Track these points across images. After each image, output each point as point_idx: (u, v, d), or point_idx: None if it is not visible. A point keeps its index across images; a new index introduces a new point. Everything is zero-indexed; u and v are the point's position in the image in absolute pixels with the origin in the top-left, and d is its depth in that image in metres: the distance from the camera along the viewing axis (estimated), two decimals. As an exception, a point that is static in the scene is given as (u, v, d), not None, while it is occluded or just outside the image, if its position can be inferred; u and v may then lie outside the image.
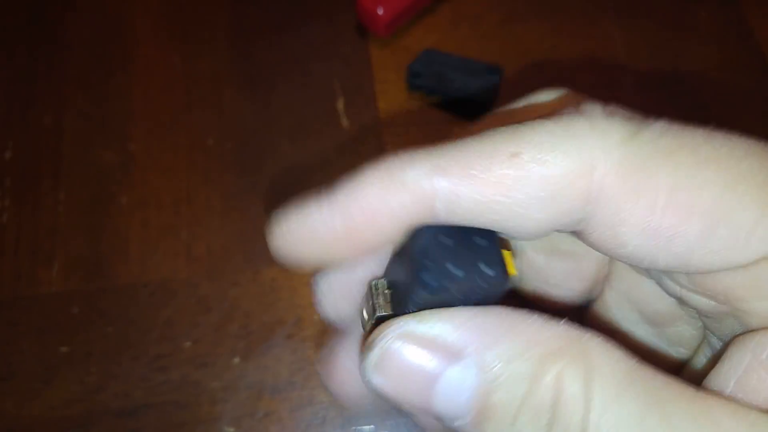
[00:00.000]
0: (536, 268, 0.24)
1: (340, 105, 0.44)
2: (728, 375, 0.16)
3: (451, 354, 0.16)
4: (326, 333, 0.38)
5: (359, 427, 0.36)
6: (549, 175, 0.16)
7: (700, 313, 0.20)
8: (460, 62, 0.44)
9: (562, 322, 0.16)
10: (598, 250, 0.18)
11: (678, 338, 0.23)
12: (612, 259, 0.24)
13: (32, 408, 0.36)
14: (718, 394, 0.16)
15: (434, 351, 0.16)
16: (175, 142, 0.42)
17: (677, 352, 0.24)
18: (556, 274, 0.24)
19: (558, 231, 0.18)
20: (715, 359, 0.17)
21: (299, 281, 0.39)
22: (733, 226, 0.16)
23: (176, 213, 0.41)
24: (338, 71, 0.45)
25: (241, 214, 0.41)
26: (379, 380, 0.16)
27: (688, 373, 0.24)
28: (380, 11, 0.44)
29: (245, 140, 0.43)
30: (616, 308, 0.24)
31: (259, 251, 0.40)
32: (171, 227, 0.40)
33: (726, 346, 0.17)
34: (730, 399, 0.16)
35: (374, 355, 0.16)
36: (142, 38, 0.46)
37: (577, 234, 0.18)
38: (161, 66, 0.45)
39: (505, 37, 0.47)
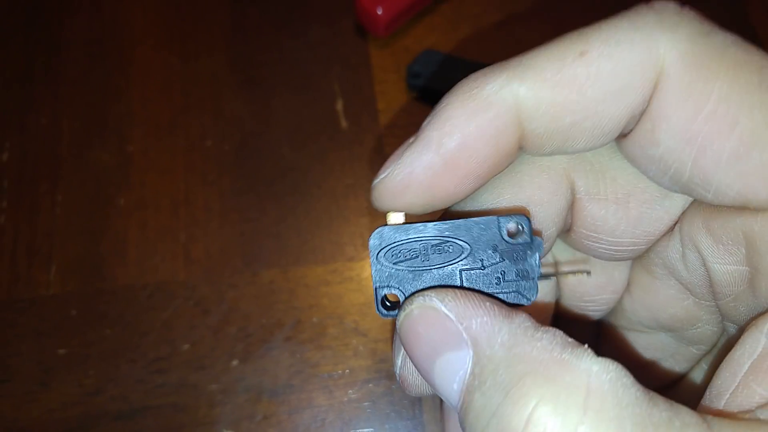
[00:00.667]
0: (572, 285, 0.24)
1: (339, 106, 0.44)
2: (742, 359, 0.16)
3: (454, 339, 0.16)
4: (325, 335, 0.38)
5: (358, 431, 0.36)
6: (618, 67, 0.16)
7: (718, 293, 0.19)
8: (459, 63, 0.43)
9: (580, 347, 0.15)
10: (629, 153, 0.18)
11: (698, 338, 0.23)
12: (633, 267, 0.24)
13: (30, 411, 0.36)
14: (714, 411, 0.16)
15: (441, 330, 0.16)
16: (173, 144, 0.42)
17: (698, 349, 0.24)
18: (590, 289, 0.24)
19: (623, 134, 0.18)
20: (731, 345, 0.17)
21: (297, 283, 0.39)
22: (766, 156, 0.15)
23: (174, 215, 0.40)
24: (337, 72, 0.45)
25: (240, 216, 0.40)
26: (402, 333, 0.17)
27: (702, 367, 0.24)
28: (379, 11, 0.43)
29: (244, 142, 0.42)
30: (633, 316, 0.24)
31: (257, 253, 0.39)
32: (169, 229, 0.40)
33: (741, 331, 0.17)
34: (743, 389, 0.15)
35: (402, 313, 0.17)
36: (140, 39, 0.45)
37: (622, 138, 0.18)
38: (159, 67, 0.45)
39: (505, 38, 0.46)
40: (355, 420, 0.36)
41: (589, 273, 0.22)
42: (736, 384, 0.16)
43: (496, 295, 0.18)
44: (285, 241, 0.40)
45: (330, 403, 0.36)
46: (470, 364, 0.16)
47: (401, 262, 0.18)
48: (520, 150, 0.19)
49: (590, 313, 0.26)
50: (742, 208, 0.17)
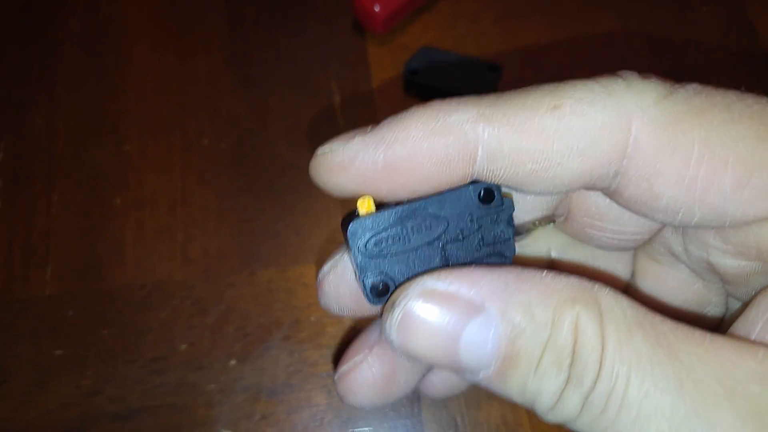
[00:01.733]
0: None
1: (337, 104, 0.43)
2: (755, 320, 0.17)
3: (472, 308, 0.16)
4: (323, 334, 0.37)
5: (357, 429, 0.36)
6: (588, 126, 0.17)
7: (726, 280, 0.20)
8: (458, 60, 0.43)
9: (572, 276, 0.16)
10: (631, 207, 0.18)
11: (706, 323, 0.24)
12: (636, 256, 0.24)
13: (27, 412, 0.35)
14: (730, 336, 0.17)
15: (455, 307, 0.16)
16: (170, 143, 0.42)
17: None
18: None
19: (588, 188, 0.19)
20: (741, 310, 0.18)
21: (296, 282, 0.38)
22: (766, 176, 0.16)
23: (171, 214, 0.40)
24: (335, 70, 0.44)
25: (237, 215, 0.40)
26: (402, 339, 0.17)
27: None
28: (377, 9, 0.43)
29: (241, 140, 0.42)
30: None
31: (255, 252, 0.39)
32: (166, 229, 0.40)
33: (752, 297, 0.18)
34: (752, 342, 0.16)
35: (396, 314, 0.17)
36: (137, 38, 0.45)
37: (611, 194, 0.19)
38: (156, 66, 0.44)
39: (504, 35, 0.46)
40: (353, 419, 0.36)
41: (554, 221, 0.22)
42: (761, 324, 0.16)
43: (479, 260, 0.19)
44: (283, 240, 0.40)
45: (329, 402, 0.36)
46: (500, 320, 0.16)
47: (384, 249, 0.18)
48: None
49: None
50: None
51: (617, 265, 0.24)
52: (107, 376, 0.36)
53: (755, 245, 0.18)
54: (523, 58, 0.45)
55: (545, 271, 0.17)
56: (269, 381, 0.36)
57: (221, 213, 0.40)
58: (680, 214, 0.17)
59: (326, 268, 0.21)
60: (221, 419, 0.36)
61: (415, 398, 0.36)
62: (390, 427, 0.36)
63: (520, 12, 0.47)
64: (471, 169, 0.18)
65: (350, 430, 0.36)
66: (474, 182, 0.19)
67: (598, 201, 0.21)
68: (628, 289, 0.25)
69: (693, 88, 0.17)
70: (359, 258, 0.18)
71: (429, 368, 0.22)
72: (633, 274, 0.24)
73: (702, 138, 0.16)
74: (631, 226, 0.22)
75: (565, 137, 0.17)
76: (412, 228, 0.19)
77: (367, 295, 0.18)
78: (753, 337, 0.17)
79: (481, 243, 0.19)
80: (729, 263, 0.19)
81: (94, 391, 0.36)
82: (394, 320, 0.17)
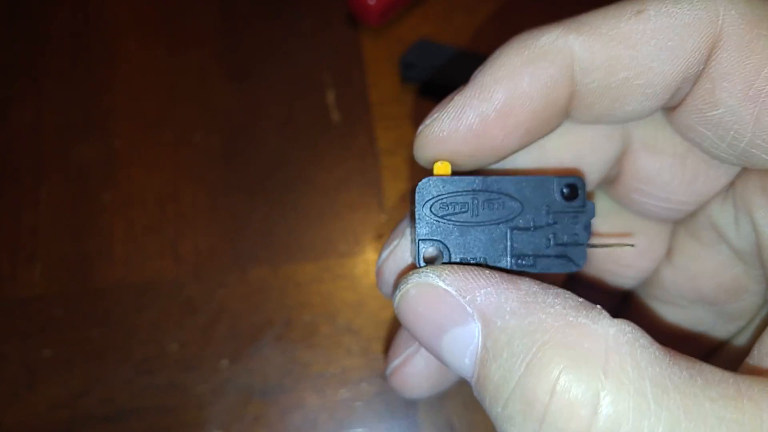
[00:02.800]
0: (611, 249, 0.23)
1: (331, 98, 0.43)
2: None
3: (460, 315, 0.16)
4: (316, 334, 0.37)
5: (351, 431, 0.35)
6: (675, 25, 0.16)
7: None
8: (454, 53, 0.42)
9: (594, 308, 0.15)
10: (682, 121, 0.17)
11: (739, 312, 0.23)
12: (675, 232, 0.23)
13: (15, 413, 0.35)
14: (757, 370, 0.15)
15: (444, 308, 0.16)
16: (160, 138, 0.41)
17: (734, 326, 0.23)
18: (628, 254, 0.24)
19: (674, 101, 0.17)
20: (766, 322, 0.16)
21: (288, 281, 0.38)
22: None
23: (162, 211, 0.39)
24: (329, 63, 0.44)
25: (229, 212, 0.39)
26: (401, 315, 0.17)
27: (736, 344, 0.23)
28: (372, 1, 0.42)
29: (233, 135, 0.41)
30: (672, 288, 0.23)
31: (247, 250, 0.38)
32: (156, 226, 0.39)
33: None
34: None
35: (397, 294, 0.17)
36: (126, 32, 0.44)
37: (675, 109, 0.18)
38: (146, 60, 0.43)
39: (501, 27, 0.45)
40: (347, 420, 0.35)
41: (633, 245, 0.21)
42: None
43: (544, 257, 0.18)
44: (275, 238, 0.39)
45: (322, 402, 0.35)
46: (480, 338, 0.15)
47: (449, 215, 0.17)
48: (568, 117, 0.18)
49: (623, 282, 0.25)
50: None
51: (655, 239, 0.23)
52: (96, 376, 0.36)
53: None
54: (521, 52, 0.44)
55: (560, 294, 0.15)
56: (261, 381, 0.36)
57: (212, 210, 0.39)
58: (731, 133, 0.16)
59: (384, 253, 0.21)
60: (213, 420, 0.35)
61: (410, 400, 0.35)
62: (385, 428, 0.35)
63: (517, 5, 0.46)
64: (572, 88, 0.17)
65: (344, 431, 0.35)
66: (561, 176, 0.18)
67: (648, 165, 0.20)
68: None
69: None
70: (422, 217, 0.17)
71: None
72: (669, 250, 0.23)
73: None
74: (679, 195, 0.21)
75: (653, 39, 0.16)
76: (483, 201, 0.18)
77: (417, 260, 0.18)
78: None
79: (551, 240, 0.18)
80: None
81: (82, 392, 0.35)
82: (396, 299, 0.17)
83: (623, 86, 0.17)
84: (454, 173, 0.18)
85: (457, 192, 0.17)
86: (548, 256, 0.18)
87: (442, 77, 0.42)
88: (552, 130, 0.19)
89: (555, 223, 0.18)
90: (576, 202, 0.18)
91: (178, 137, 0.41)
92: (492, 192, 0.17)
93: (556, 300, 0.15)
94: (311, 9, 0.45)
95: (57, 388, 0.35)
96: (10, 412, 0.35)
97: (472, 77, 0.18)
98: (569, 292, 0.16)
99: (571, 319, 0.15)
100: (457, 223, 0.17)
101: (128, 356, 0.36)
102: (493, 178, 0.18)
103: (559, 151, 0.20)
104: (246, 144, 0.41)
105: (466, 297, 0.16)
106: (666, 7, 0.16)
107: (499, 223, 0.17)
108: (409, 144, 0.41)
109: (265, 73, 0.43)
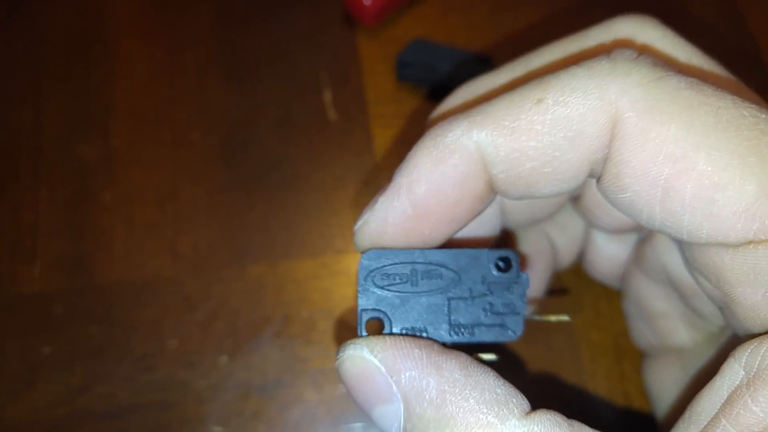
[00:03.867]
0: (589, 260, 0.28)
1: (328, 97, 0.43)
2: (720, 391, 0.16)
3: (385, 392, 0.17)
4: (314, 330, 0.37)
5: (349, 425, 0.36)
6: (572, 115, 0.17)
7: (710, 298, 0.19)
8: (449, 52, 0.43)
9: (509, 403, 0.16)
10: (604, 195, 0.18)
11: (703, 312, 0.23)
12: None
13: (15, 410, 0.35)
14: None
15: (371, 384, 0.17)
16: (159, 137, 0.42)
17: (707, 325, 0.24)
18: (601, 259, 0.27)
19: (592, 177, 0.18)
20: (717, 365, 0.16)
21: (286, 278, 0.38)
22: (730, 197, 0.15)
23: (161, 209, 0.40)
24: (325, 62, 0.44)
25: (227, 210, 0.40)
26: (341, 379, 0.18)
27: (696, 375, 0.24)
28: (367, 1, 0.43)
29: (231, 134, 0.42)
30: (649, 266, 0.25)
31: (245, 248, 0.39)
32: (155, 224, 0.39)
33: (727, 354, 0.16)
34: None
35: (336, 360, 0.18)
36: (124, 30, 0.45)
37: (597, 182, 0.18)
38: (144, 60, 0.44)
39: (495, 27, 0.46)
40: (345, 415, 0.36)
41: (569, 319, 0.22)
42: (709, 419, 0.15)
43: (481, 326, 0.18)
44: (273, 235, 0.39)
45: (320, 398, 0.36)
46: (401, 422, 0.16)
47: (390, 285, 0.18)
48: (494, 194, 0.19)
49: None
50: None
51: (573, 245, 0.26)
52: (96, 373, 0.36)
53: (714, 272, 0.17)
54: (516, 51, 0.45)
55: (479, 384, 0.16)
56: (260, 377, 0.36)
57: (211, 208, 0.40)
58: (644, 214, 0.17)
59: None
60: (212, 416, 0.35)
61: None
62: (382, 422, 0.36)
63: (511, 4, 0.47)
64: (487, 176, 0.18)
65: (342, 425, 0.36)
66: (494, 248, 0.19)
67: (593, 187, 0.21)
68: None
69: (687, 80, 0.16)
70: (364, 289, 0.18)
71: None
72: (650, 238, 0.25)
73: (677, 136, 0.16)
74: (622, 219, 0.21)
75: (553, 129, 0.17)
76: (423, 272, 0.19)
77: (360, 330, 0.19)
78: (712, 413, 0.16)
79: (488, 309, 0.19)
80: (703, 283, 0.18)
81: (82, 389, 0.36)
82: (336, 364, 0.18)
83: (532, 175, 0.18)
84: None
85: (398, 263, 0.19)
86: (486, 325, 0.18)
87: (436, 76, 0.42)
88: (481, 211, 0.20)
89: (492, 293, 0.19)
90: (510, 274, 0.18)
91: (176, 136, 0.42)
92: (430, 264, 0.18)
93: (473, 393, 0.16)
94: (307, 9, 0.46)
95: (57, 385, 0.36)
96: (11, 409, 0.35)
97: (393, 177, 0.19)
98: (493, 374, 0.16)
99: (481, 416, 0.15)
100: (398, 293, 0.18)
101: (128, 353, 0.36)
102: (431, 252, 0.19)
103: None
104: (244, 143, 0.42)
105: (392, 377, 0.17)
106: (563, 96, 0.17)
107: (437, 294, 0.18)
108: (405, 142, 0.42)
109: (262, 72, 0.44)
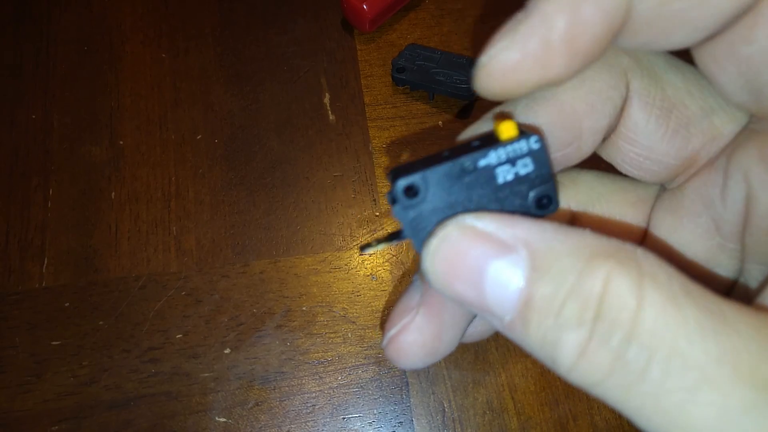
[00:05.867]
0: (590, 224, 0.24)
1: (327, 100, 0.44)
2: None
3: (503, 246, 0.16)
4: (314, 323, 0.38)
5: (347, 416, 0.37)
6: None
7: (756, 221, 0.19)
8: (443, 57, 0.44)
9: (615, 239, 0.16)
10: (709, 53, 0.18)
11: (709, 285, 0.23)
12: (654, 210, 0.24)
13: (24, 401, 0.36)
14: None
15: (487, 242, 0.16)
16: (164, 138, 0.43)
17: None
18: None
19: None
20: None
21: (287, 273, 0.40)
22: None
23: (166, 207, 0.41)
24: (324, 67, 0.46)
25: (230, 208, 0.41)
26: (435, 267, 0.17)
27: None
28: (365, 7, 0.44)
29: (233, 135, 0.43)
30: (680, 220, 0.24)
31: (247, 244, 0.40)
32: (161, 221, 0.41)
33: None
34: None
35: (434, 242, 0.17)
36: (129, 35, 0.46)
37: None
38: (149, 62, 0.45)
39: (488, 32, 0.47)
40: (344, 405, 0.37)
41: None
42: None
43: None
44: (275, 232, 0.41)
45: (320, 389, 0.37)
46: (527, 262, 0.16)
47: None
48: (613, 40, 0.18)
49: (618, 228, 0.26)
50: None
51: (636, 220, 0.24)
52: (103, 365, 0.37)
53: (745, 62, 0.17)
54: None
55: (588, 228, 0.16)
56: (262, 369, 0.37)
57: (214, 206, 0.41)
58: (753, 71, 0.17)
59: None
60: (215, 407, 0.37)
61: (403, 384, 0.37)
62: (380, 412, 0.37)
63: (504, 9, 0.48)
64: (629, 13, 0.17)
65: (341, 416, 0.37)
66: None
67: (637, 115, 0.21)
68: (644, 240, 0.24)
69: None
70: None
71: (470, 321, 0.21)
72: (648, 224, 0.24)
73: None
74: (661, 150, 0.22)
75: None
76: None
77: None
78: None
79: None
80: (734, 87, 0.18)
81: (90, 381, 0.37)
82: (430, 251, 0.17)
83: (676, 16, 0.17)
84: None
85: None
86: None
87: (431, 80, 0.44)
88: (601, 57, 0.18)
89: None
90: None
91: (180, 137, 0.43)
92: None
93: (583, 230, 0.16)
94: (307, 15, 0.47)
95: (65, 377, 0.37)
96: (20, 400, 0.36)
97: (531, 6, 0.17)
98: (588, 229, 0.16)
99: (605, 239, 0.16)
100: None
101: (134, 345, 0.38)
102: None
103: (574, 101, 0.21)
104: (246, 144, 0.43)
105: (507, 231, 0.16)
106: None
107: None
108: (401, 143, 0.43)
109: (263, 76, 0.45)
